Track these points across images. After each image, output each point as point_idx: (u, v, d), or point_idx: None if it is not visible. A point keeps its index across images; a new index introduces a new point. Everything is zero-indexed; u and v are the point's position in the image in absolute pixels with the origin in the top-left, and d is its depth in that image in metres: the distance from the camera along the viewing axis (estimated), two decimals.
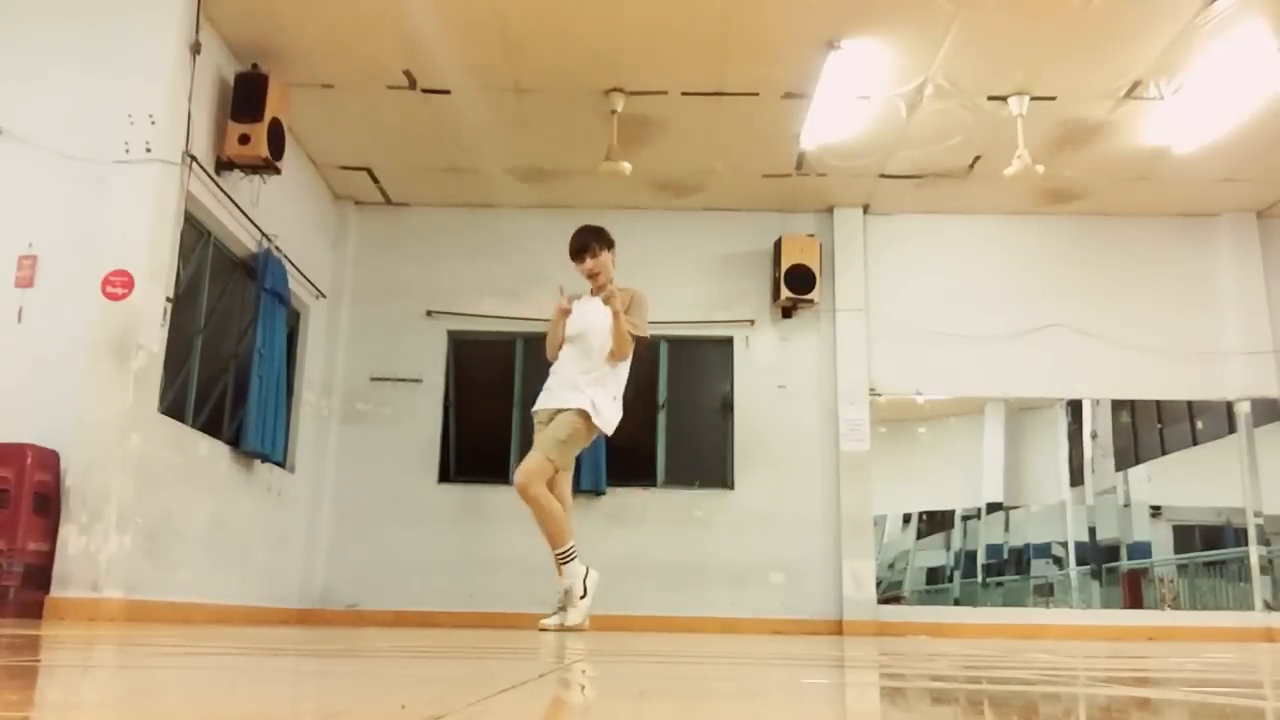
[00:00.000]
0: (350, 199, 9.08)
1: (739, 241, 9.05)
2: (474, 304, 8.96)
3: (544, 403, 5.28)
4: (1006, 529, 9.72)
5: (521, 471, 5.11)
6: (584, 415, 5.10)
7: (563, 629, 5.20)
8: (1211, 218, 8.98)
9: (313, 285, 8.38)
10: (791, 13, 6.32)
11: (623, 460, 8.60)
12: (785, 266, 8.67)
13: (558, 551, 5.25)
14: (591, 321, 5.25)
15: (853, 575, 8.35)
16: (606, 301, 5.11)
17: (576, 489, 8.37)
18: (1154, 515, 9.30)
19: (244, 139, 6.53)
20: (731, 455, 8.74)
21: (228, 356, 7.20)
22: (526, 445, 8.71)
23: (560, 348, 5.34)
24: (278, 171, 6.87)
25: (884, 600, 8.67)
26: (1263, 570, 8.44)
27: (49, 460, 5.35)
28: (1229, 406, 8.78)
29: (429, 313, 8.95)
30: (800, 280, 8.65)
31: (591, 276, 5.30)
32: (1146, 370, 8.75)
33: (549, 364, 5.45)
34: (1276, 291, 8.79)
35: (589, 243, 5.25)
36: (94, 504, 5.34)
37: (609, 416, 5.21)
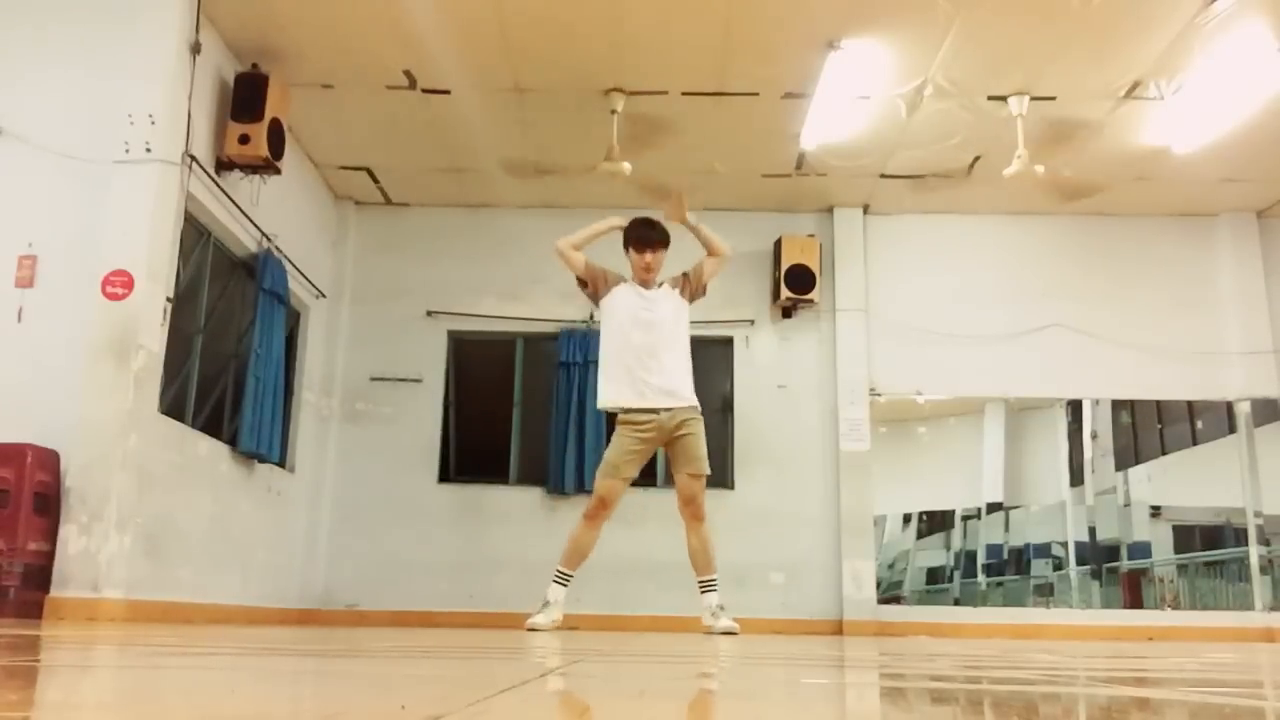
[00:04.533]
0: (350, 199, 9.07)
1: (739, 241, 8.95)
2: (474, 304, 8.95)
3: (648, 400, 5.27)
4: (1006, 529, 9.72)
5: (701, 506, 5.34)
6: (700, 420, 5.33)
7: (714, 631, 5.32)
8: (1211, 218, 8.97)
9: (313, 285, 8.38)
10: (791, 13, 6.32)
11: None
12: (785, 266, 8.66)
13: (711, 578, 5.44)
14: (667, 311, 5.38)
15: (853, 575, 8.34)
16: (678, 219, 5.39)
17: (579, 489, 8.40)
18: (1154, 515, 9.29)
19: (244, 139, 6.53)
20: (731, 455, 8.74)
21: (227, 356, 7.20)
22: (527, 444, 8.85)
23: (579, 250, 5.43)
24: (278, 171, 6.87)
25: (884, 600, 8.66)
26: (1263, 570, 8.44)
27: (49, 460, 5.34)
28: (1229, 406, 8.78)
29: (429, 313, 8.95)
30: (800, 280, 8.65)
31: (650, 270, 5.39)
32: (1146, 370, 8.74)
33: (560, 248, 5.49)
34: (1276, 291, 8.79)
35: (654, 241, 5.39)
36: (94, 504, 5.34)
37: None
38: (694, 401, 5.33)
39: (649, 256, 5.36)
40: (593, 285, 5.47)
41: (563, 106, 7.44)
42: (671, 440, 5.32)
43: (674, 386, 5.27)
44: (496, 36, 6.59)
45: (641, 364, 5.26)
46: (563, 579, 5.39)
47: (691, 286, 5.48)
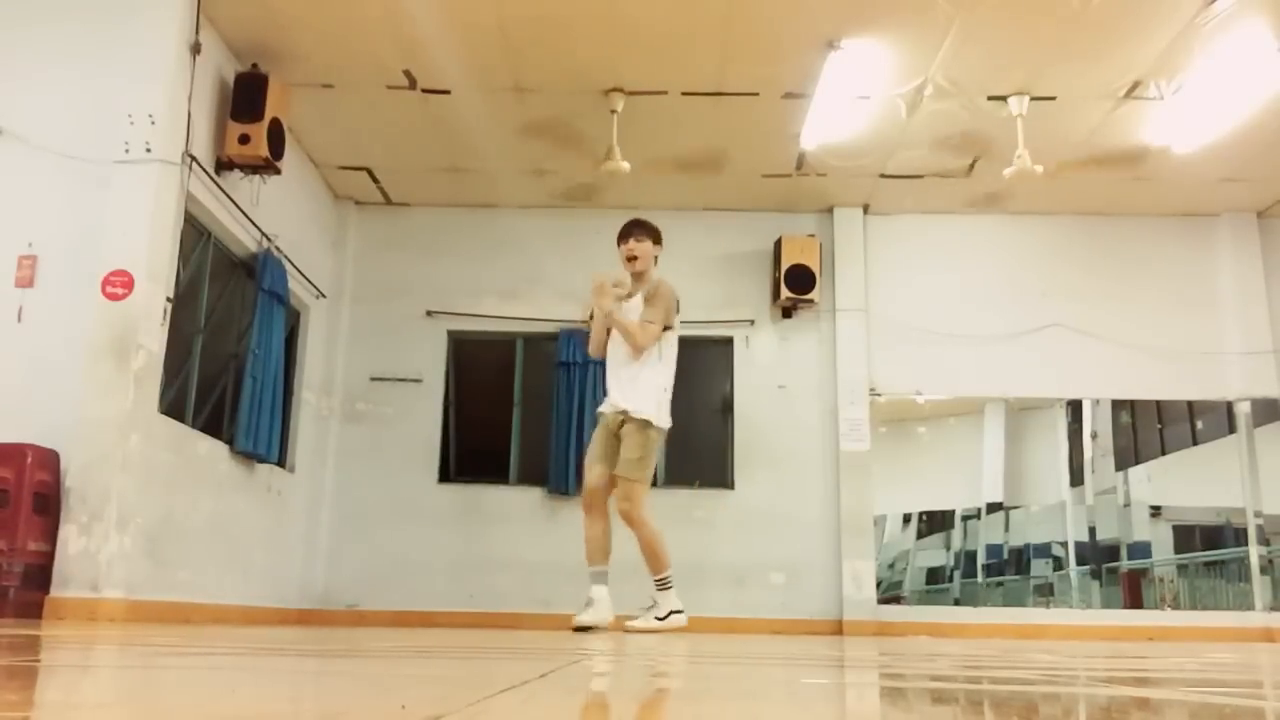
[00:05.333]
0: (350, 199, 9.07)
1: (739, 241, 9.04)
2: (474, 304, 8.96)
3: (605, 406, 5.52)
4: (1006, 529, 9.72)
5: (622, 500, 5.33)
6: (646, 426, 5.33)
7: (640, 630, 5.34)
8: (1211, 218, 8.98)
9: (313, 285, 8.38)
10: (791, 13, 6.32)
11: None
12: (785, 266, 8.66)
13: (656, 578, 5.41)
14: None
15: (853, 575, 8.34)
16: (605, 305, 5.40)
17: (579, 489, 8.39)
18: (1154, 515, 9.29)
19: (244, 139, 6.53)
20: (731, 455, 8.74)
21: (227, 356, 7.20)
22: (527, 445, 8.85)
23: (603, 345, 5.55)
24: (278, 171, 6.87)
25: (884, 600, 8.66)
26: (1263, 570, 8.44)
27: (49, 460, 5.34)
28: (1229, 406, 8.78)
29: (429, 313, 8.95)
30: (800, 280, 8.64)
31: (630, 260, 5.50)
32: (1146, 370, 8.74)
33: (592, 359, 5.80)
34: (1276, 291, 8.79)
35: (632, 229, 5.52)
36: (94, 504, 5.34)
37: (664, 411, 5.42)
38: (639, 410, 5.37)
39: (629, 244, 5.48)
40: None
41: (563, 106, 7.44)
42: (615, 442, 5.45)
43: (626, 394, 5.41)
44: (496, 36, 6.59)
45: (612, 370, 5.48)
46: (596, 577, 5.39)
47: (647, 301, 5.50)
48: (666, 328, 5.43)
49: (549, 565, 8.39)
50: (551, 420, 8.60)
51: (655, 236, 5.57)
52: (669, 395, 5.46)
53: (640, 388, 5.38)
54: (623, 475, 5.34)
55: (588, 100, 7.31)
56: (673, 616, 5.36)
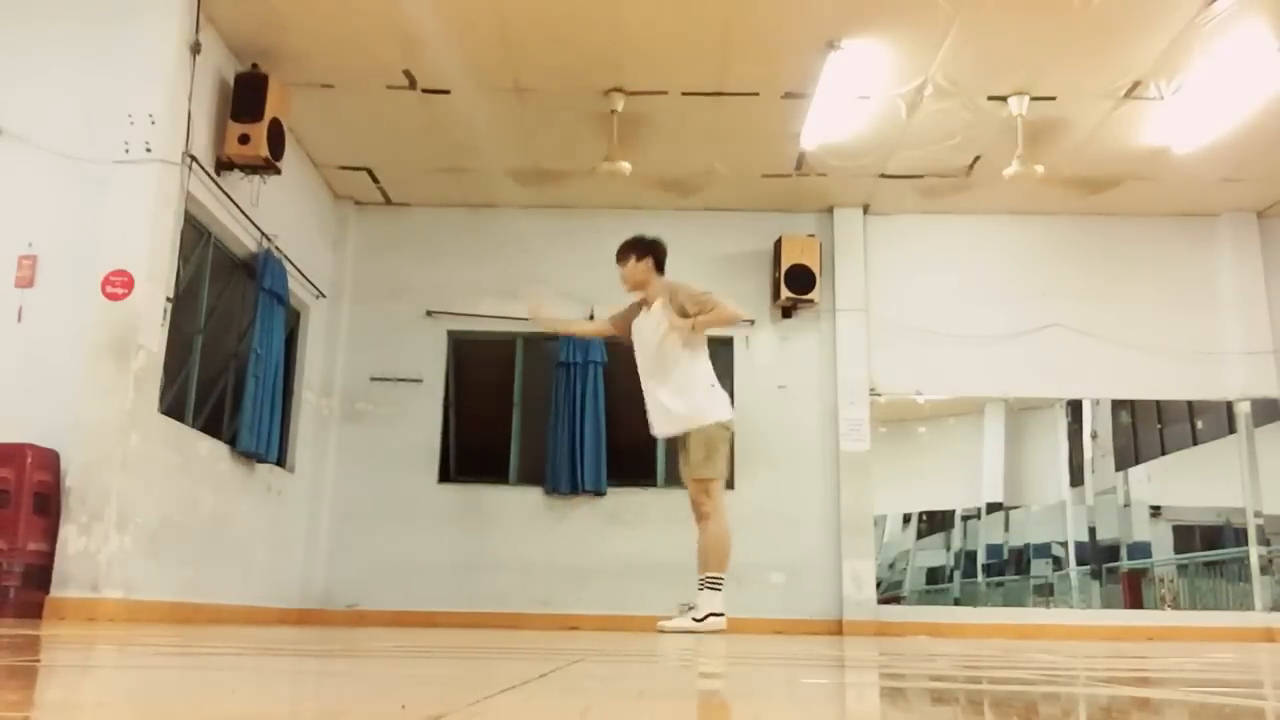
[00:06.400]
0: (350, 199, 9.07)
1: (739, 241, 9.04)
2: (474, 304, 8.95)
3: (660, 431, 5.62)
4: (1006, 529, 9.72)
5: (701, 506, 5.49)
6: (703, 429, 5.39)
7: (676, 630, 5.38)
8: (1211, 218, 8.98)
9: (313, 285, 8.38)
10: (791, 13, 6.32)
11: (623, 460, 8.60)
12: (785, 266, 8.66)
13: (706, 576, 5.48)
14: (644, 339, 5.52)
15: (853, 575, 8.34)
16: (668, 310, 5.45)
17: (579, 489, 8.40)
18: (1154, 515, 9.29)
19: (244, 139, 6.53)
20: (731, 455, 8.72)
21: (227, 356, 7.20)
22: (527, 445, 8.86)
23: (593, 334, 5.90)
24: (278, 171, 6.87)
25: (884, 600, 8.66)
26: (1263, 570, 8.44)
27: (49, 460, 5.34)
28: (1229, 406, 8.78)
29: (429, 313, 8.95)
30: (800, 280, 8.64)
31: (624, 283, 5.60)
32: (1146, 370, 8.74)
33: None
34: (1276, 291, 8.79)
35: (621, 250, 5.57)
36: (94, 504, 5.34)
37: (719, 405, 5.48)
38: (689, 421, 5.40)
39: (620, 272, 5.56)
40: (625, 333, 5.66)
41: (563, 106, 7.44)
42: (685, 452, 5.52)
43: (666, 410, 5.45)
44: (496, 36, 6.59)
45: (648, 391, 5.53)
46: (707, 584, 5.50)
47: (678, 306, 5.48)
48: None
49: (549, 565, 8.39)
50: (551, 420, 8.60)
51: (640, 251, 5.55)
52: (716, 388, 5.51)
53: (688, 401, 5.40)
54: (694, 476, 5.42)
55: (588, 100, 7.31)
56: (710, 619, 5.34)
